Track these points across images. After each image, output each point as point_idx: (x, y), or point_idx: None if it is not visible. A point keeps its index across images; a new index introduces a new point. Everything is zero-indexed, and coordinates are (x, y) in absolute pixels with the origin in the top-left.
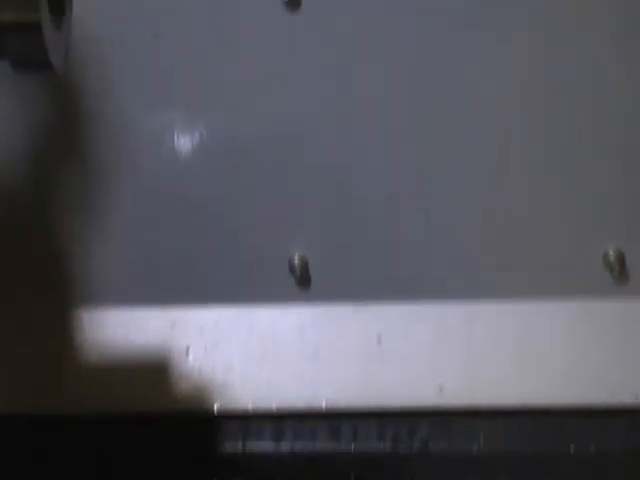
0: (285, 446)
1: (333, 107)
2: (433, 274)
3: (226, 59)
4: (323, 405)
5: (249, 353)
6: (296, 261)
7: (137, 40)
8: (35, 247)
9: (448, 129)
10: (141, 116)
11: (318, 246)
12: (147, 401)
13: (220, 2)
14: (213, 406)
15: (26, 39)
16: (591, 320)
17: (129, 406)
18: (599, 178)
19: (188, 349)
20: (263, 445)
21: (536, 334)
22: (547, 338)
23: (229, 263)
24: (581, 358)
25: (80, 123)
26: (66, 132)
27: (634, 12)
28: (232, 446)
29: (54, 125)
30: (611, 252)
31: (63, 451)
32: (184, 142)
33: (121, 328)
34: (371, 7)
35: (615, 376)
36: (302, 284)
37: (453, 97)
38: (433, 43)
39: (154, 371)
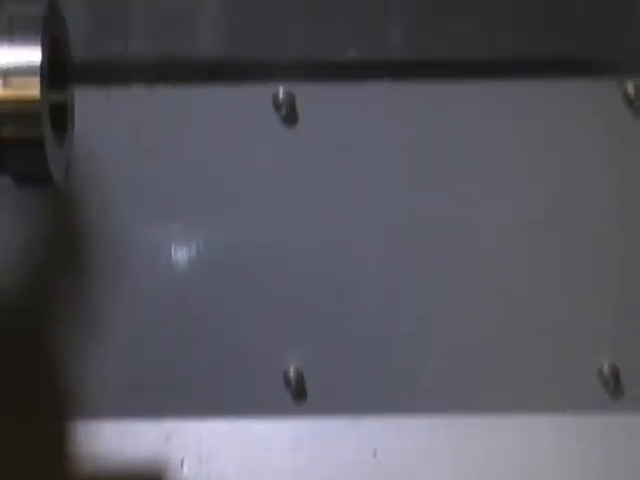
0: None
1: (330, 219)
2: (430, 387)
3: (225, 172)
4: None
5: (244, 466)
6: (292, 374)
7: (137, 155)
8: (33, 358)
9: (446, 242)
10: (140, 230)
11: (314, 358)
12: None
13: (220, 116)
14: None
15: (28, 155)
16: (587, 434)
17: None
18: (593, 295)
19: (183, 461)
20: None
21: (532, 448)
22: (543, 452)
23: (225, 375)
24: (578, 472)
25: (79, 237)
26: (65, 246)
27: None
28: None
29: (54, 239)
30: (606, 367)
31: None
32: (182, 255)
33: (116, 440)
34: (367, 125)
35: None
36: (298, 397)
37: (449, 212)
38: (429, 154)
39: None
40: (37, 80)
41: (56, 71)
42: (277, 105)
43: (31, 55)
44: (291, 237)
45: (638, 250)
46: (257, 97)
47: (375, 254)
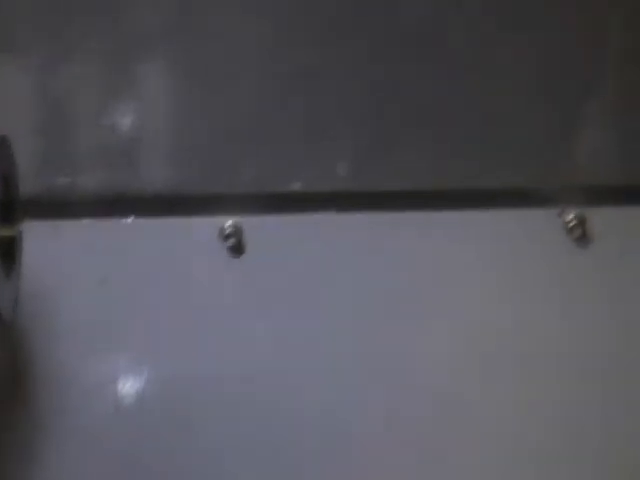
0: None
1: (278, 351)
2: None
3: (173, 305)
4: None
5: None
6: None
7: (84, 288)
8: None
9: (388, 373)
10: (87, 364)
11: None
12: None
13: (167, 248)
14: None
15: None
16: None
17: None
18: (537, 436)
19: None
20: None
21: None
22: None
23: None
24: None
25: (25, 372)
26: (10, 381)
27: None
28: None
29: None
30: None
31: None
32: (129, 390)
33: None
34: (313, 255)
35: None
36: None
37: (397, 344)
38: (375, 285)
39: None
40: None
41: (5, 207)
42: (224, 236)
43: None
44: (238, 370)
45: (582, 377)
46: (204, 229)
47: (321, 385)
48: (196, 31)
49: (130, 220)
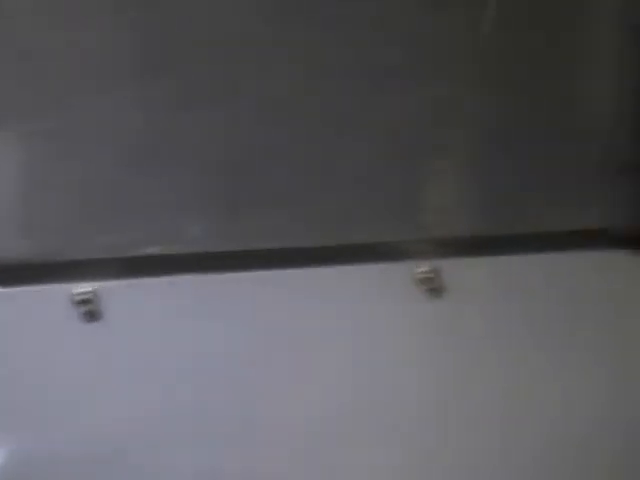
0: None
1: (141, 414)
2: None
3: (28, 373)
4: None
5: None
6: None
7: None
8: None
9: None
10: None
11: None
12: None
13: (19, 317)
14: None
15: None
16: None
17: None
18: None
19: None
20: None
21: None
22: None
23: None
24: None
25: None
26: None
27: None
28: None
29: None
30: None
31: None
32: None
33: None
34: (172, 317)
35: None
36: None
37: (254, 407)
38: (234, 344)
39: None
40: None
41: None
42: (79, 302)
43: None
44: (96, 440)
45: (433, 424)
46: (58, 296)
47: (180, 451)
48: (50, 98)
49: None
